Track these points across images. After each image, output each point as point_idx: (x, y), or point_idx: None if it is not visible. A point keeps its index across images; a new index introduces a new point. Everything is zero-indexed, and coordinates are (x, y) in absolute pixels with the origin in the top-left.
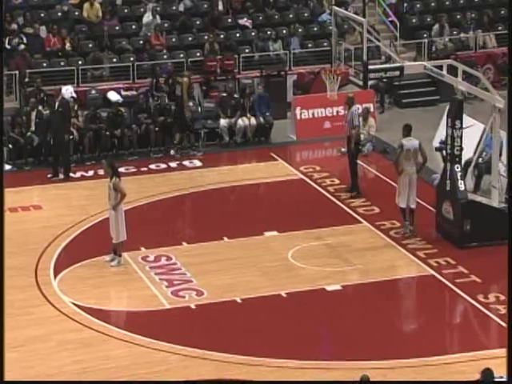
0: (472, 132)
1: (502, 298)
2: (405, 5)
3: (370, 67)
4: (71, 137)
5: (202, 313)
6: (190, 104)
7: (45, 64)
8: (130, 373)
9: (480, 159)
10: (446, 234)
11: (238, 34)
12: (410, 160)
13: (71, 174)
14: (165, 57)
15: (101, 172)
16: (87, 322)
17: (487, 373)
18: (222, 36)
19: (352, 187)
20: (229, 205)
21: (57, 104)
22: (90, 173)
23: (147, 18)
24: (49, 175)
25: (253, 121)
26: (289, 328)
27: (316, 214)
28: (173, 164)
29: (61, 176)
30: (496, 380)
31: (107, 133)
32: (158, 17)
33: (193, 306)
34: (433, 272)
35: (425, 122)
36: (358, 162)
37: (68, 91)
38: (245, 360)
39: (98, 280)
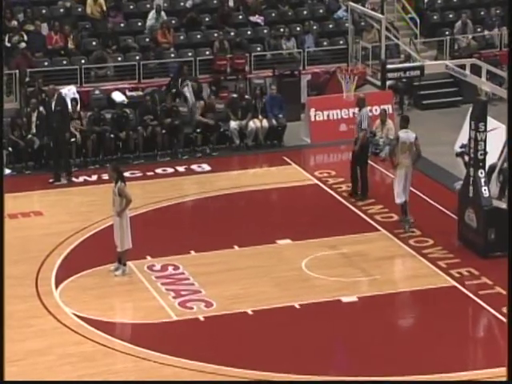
0: (496, 135)
1: None
2: (425, 0)
3: (389, 67)
4: (72, 139)
5: (210, 325)
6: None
7: (46, 63)
8: None
9: (505, 164)
10: (468, 243)
11: (249, 32)
12: (406, 152)
13: (73, 179)
14: (172, 55)
15: (105, 177)
16: (90, 334)
17: None
18: (232, 33)
19: (353, 191)
20: (239, 211)
21: (53, 103)
22: (94, 177)
23: (150, 20)
24: (50, 180)
25: (265, 123)
26: (302, 342)
27: (331, 222)
28: (180, 168)
29: (63, 181)
30: None
31: (111, 135)
32: (163, 13)
33: (201, 318)
34: (455, 283)
35: (446, 125)
36: (375, 165)
37: (70, 91)
38: (257, 375)
39: (102, 290)
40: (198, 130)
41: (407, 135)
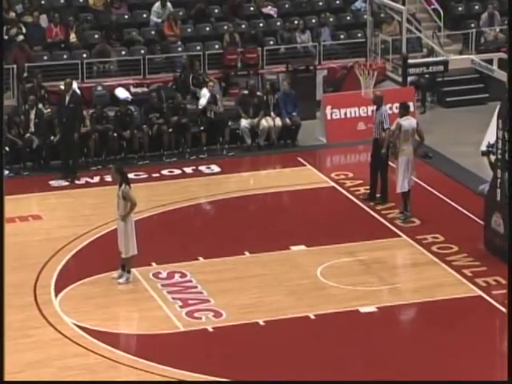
0: None
1: None
2: None
3: (410, 61)
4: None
5: (220, 337)
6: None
7: (46, 57)
8: None
9: None
10: (495, 250)
11: (261, 24)
12: (409, 140)
13: (75, 181)
14: (179, 49)
15: (108, 178)
16: (92, 346)
17: None
18: (243, 26)
19: (370, 194)
20: (251, 215)
21: (67, 99)
22: (96, 179)
23: (156, 11)
24: (55, 181)
25: (278, 121)
26: (318, 354)
27: (348, 227)
28: (188, 169)
29: (65, 183)
30: None
31: (115, 134)
32: (169, 4)
33: (210, 329)
34: (481, 293)
35: (472, 124)
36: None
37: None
38: None
39: (104, 299)
40: (202, 128)
41: (409, 122)
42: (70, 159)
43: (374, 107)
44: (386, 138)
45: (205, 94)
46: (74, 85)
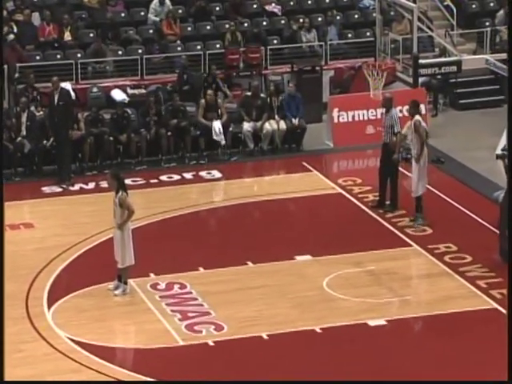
0: None
1: None
2: None
3: (422, 62)
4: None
5: (221, 351)
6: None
7: (38, 57)
8: None
9: None
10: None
11: (264, 23)
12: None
13: (69, 187)
14: (179, 49)
15: (104, 184)
16: (87, 361)
17: None
18: (245, 24)
19: (379, 201)
20: (253, 224)
21: (56, 97)
22: (91, 185)
23: (154, 10)
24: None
25: (282, 124)
26: (324, 369)
27: (356, 235)
28: (188, 175)
29: (57, 189)
30: None
31: (111, 138)
32: (168, 2)
33: (211, 343)
34: (496, 305)
35: (486, 127)
36: (407, 173)
37: (65, 88)
38: None
39: (100, 312)
40: (198, 133)
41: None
42: (64, 162)
43: (383, 110)
44: (398, 142)
45: (215, 128)
46: (69, 86)
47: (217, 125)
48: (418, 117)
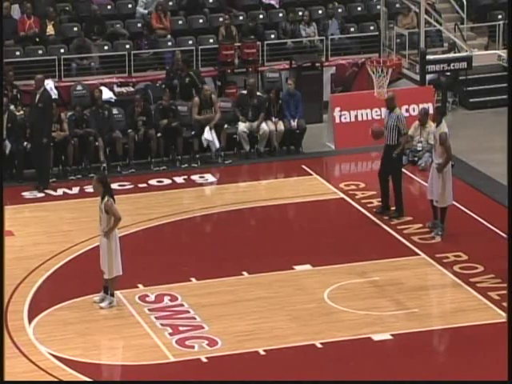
0: None
1: None
2: None
3: (429, 57)
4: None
5: (214, 367)
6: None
7: (18, 52)
8: None
9: None
10: None
11: (261, 16)
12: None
13: (51, 192)
14: (169, 44)
15: (89, 189)
16: (70, 378)
17: None
18: (241, 18)
19: (383, 207)
20: (250, 231)
21: (37, 97)
22: (75, 190)
23: (141, 4)
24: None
25: (280, 125)
26: None
27: (360, 243)
28: (179, 179)
29: (37, 194)
30: None
31: (96, 143)
32: None
33: (204, 359)
34: None
35: (498, 128)
36: (413, 176)
37: (48, 86)
38: None
39: (85, 326)
40: (193, 133)
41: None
42: (42, 166)
43: (386, 110)
44: (403, 143)
45: (208, 138)
46: (51, 84)
47: (207, 132)
48: (445, 128)
